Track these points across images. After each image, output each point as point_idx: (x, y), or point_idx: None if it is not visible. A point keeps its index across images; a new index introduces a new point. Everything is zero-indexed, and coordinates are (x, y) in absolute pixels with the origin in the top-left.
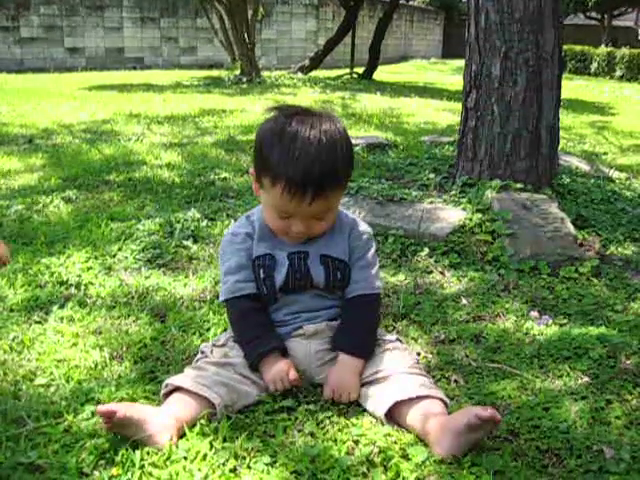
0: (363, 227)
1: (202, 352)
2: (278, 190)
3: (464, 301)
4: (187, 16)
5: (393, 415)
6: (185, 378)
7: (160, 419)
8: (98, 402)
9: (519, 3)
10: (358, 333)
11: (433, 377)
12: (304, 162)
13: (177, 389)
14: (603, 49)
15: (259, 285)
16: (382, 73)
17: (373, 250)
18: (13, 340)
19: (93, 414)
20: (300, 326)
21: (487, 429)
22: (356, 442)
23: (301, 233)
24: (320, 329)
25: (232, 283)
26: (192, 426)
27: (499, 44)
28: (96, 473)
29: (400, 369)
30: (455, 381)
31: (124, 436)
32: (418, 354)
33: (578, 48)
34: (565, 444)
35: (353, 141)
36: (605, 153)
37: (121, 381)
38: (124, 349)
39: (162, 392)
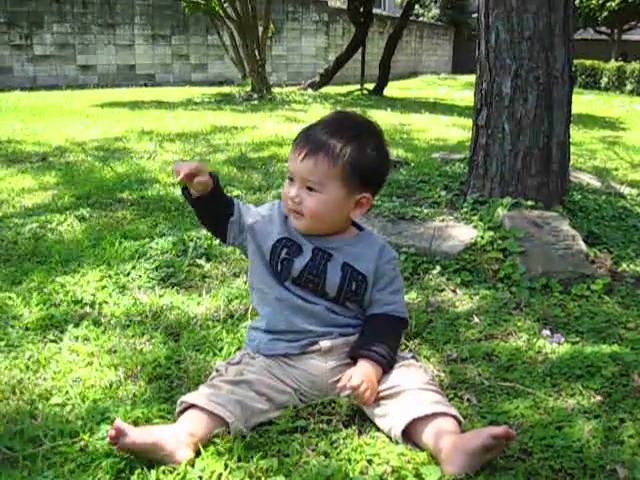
0: (393, 252)
1: (217, 370)
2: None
3: (476, 319)
4: (198, 33)
5: (408, 433)
6: (199, 396)
7: (175, 436)
8: (114, 421)
9: (529, 22)
10: (382, 344)
11: (446, 396)
12: (319, 128)
13: (191, 407)
14: (613, 63)
15: (275, 262)
16: (392, 89)
17: (400, 276)
18: (29, 359)
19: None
20: (315, 341)
21: (501, 448)
22: (370, 461)
23: (292, 201)
24: (336, 345)
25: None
26: (206, 445)
27: (509, 62)
28: None
29: (415, 385)
30: (468, 400)
31: (141, 458)
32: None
33: (588, 63)
34: (578, 463)
35: None
36: (616, 169)
37: (136, 400)
38: (139, 368)
39: (177, 410)
